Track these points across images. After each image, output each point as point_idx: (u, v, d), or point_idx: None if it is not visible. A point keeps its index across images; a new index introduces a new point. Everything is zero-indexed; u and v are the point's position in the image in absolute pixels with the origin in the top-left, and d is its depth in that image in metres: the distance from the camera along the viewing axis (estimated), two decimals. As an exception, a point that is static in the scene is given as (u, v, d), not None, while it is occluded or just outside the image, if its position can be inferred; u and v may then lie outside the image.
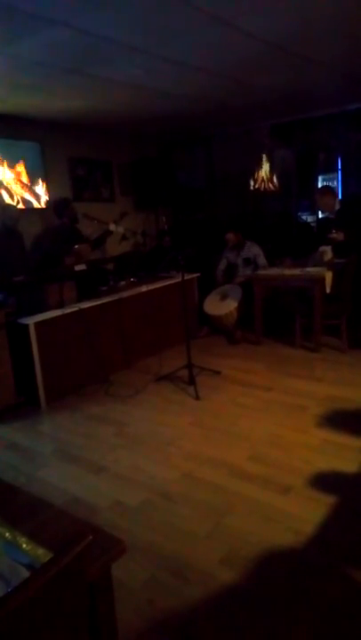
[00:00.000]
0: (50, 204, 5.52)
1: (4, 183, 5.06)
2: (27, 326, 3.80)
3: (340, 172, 7.52)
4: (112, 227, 5.10)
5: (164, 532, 2.29)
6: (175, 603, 1.87)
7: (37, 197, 5.46)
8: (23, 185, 5.28)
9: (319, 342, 4.64)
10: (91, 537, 0.90)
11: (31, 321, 3.82)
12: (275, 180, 5.88)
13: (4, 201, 5.01)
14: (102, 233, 5.20)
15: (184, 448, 3.08)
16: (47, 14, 2.74)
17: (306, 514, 2.32)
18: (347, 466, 2.71)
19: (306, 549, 2.10)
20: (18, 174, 5.22)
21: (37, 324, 3.84)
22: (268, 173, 5.87)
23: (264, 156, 5.89)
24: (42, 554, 1.06)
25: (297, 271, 4.78)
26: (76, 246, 4.82)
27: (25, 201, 5.30)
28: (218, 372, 4.27)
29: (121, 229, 5.02)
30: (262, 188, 5.88)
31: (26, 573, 1.02)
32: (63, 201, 5.44)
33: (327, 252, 5.00)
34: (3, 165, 5.04)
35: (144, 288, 4.85)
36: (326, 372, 4.16)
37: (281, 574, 1.98)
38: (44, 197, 5.53)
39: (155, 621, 1.80)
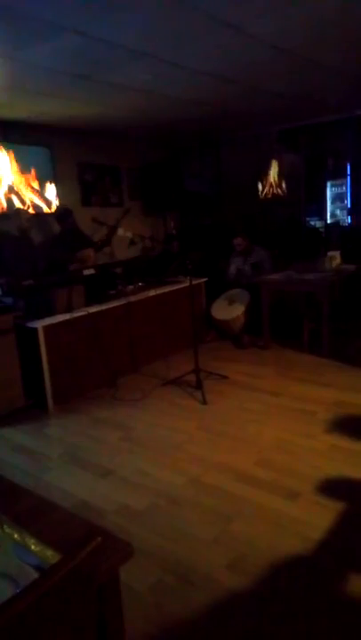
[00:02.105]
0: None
1: (15, 188, 5.10)
2: (35, 330, 3.83)
3: (349, 177, 7.52)
4: (121, 232, 5.12)
5: (171, 537, 2.28)
6: (182, 607, 1.86)
7: (47, 202, 5.49)
8: (33, 190, 5.32)
9: (327, 347, 4.62)
10: (100, 539, 0.91)
11: (40, 324, 3.84)
12: (283, 185, 5.88)
13: (14, 205, 5.05)
14: (107, 233, 5.22)
15: (191, 452, 3.08)
16: (57, 20, 2.77)
17: (314, 520, 2.30)
18: (355, 471, 2.69)
19: (314, 556, 2.09)
20: (28, 179, 5.27)
21: (46, 328, 3.86)
22: (276, 179, 5.87)
23: (272, 161, 5.89)
24: (50, 555, 1.06)
25: (305, 276, 4.77)
26: (79, 253, 4.83)
27: (35, 206, 5.34)
28: (225, 377, 4.27)
29: (130, 234, 5.04)
30: (270, 194, 5.88)
31: (34, 575, 1.02)
32: (64, 210, 5.46)
33: (336, 256, 4.99)
34: (14, 170, 5.08)
35: (152, 292, 4.86)
36: (334, 377, 4.14)
37: (288, 581, 1.97)
38: (55, 202, 5.57)
39: (161, 625, 1.79)
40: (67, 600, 0.88)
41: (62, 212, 5.40)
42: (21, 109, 4.67)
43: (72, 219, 5.37)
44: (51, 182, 5.68)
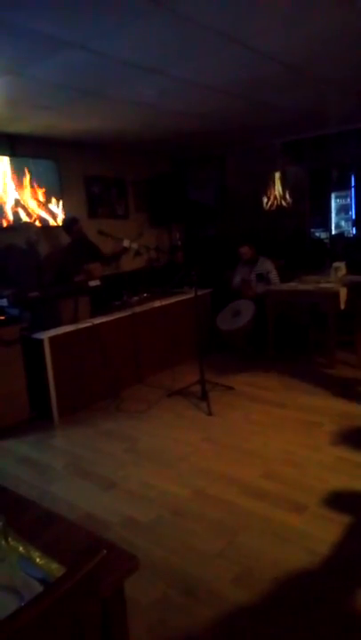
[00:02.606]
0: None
1: (21, 201, 5.16)
2: (41, 341, 3.84)
3: (353, 189, 7.55)
4: (126, 243, 5.16)
5: (176, 550, 2.27)
6: (186, 622, 1.84)
7: (53, 215, 5.55)
8: (39, 203, 5.38)
9: (333, 358, 4.61)
10: (105, 551, 0.91)
11: (45, 336, 3.86)
12: (288, 196, 5.91)
13: (21, 218, 5.10)
14: (118, 252, 5.29)
15: (196, 464, 3.07)
16: (64, 37, 2.82)
17: (320, 533, 2.28)
18: (362, 485, 2.67)
19: (320, 570, 2.07)
20: (34, 192, 5.32)
21: (51, 339, 3.88)
22: (280, 190, 5.90)
23: (277, 173, 5.93)
24: (55, 568, 1.06)
25: (310, 287, 4.77)
26: (86, 266, 4.87)
27: (41, 219, 5.39)
28: (231, 388, 4.25)
29: (135, 246, 5.08)
30: (275, 205, 5.91)
31: (39, 588, 1.02)
32: (71, 220, 5.51)
33: (341, 267, 4.99)
34: (20, 184, 5.14)
35: (157, 303, 4.87)
36: (340, 388, 4.12)
37: (295, 595, 1.94)
38: (60, 215, 5.62)
39: (166, 641, 1.78)
40: (71, 614, 0.88)
41: (68, 221, 5.45)
42: (28, 124, 4.73)
43: (78, 227, 5.41)
44: (57, 195, 5.77)
